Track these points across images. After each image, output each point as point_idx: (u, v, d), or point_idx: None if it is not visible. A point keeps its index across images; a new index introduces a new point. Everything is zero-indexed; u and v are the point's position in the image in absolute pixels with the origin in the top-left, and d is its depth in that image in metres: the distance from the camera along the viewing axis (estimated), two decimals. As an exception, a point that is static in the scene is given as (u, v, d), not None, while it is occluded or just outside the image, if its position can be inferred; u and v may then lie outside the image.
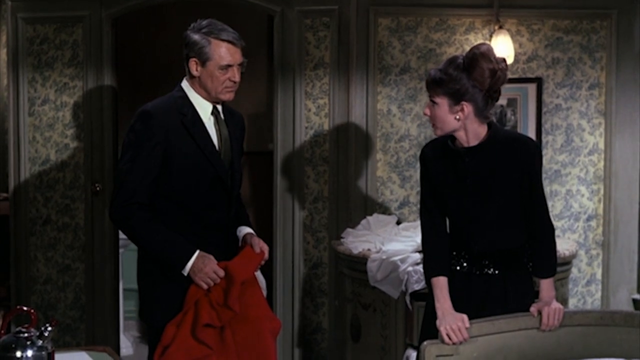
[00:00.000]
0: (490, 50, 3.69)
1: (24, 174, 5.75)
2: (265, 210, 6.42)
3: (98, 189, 5.68)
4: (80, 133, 5.72)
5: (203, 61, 3.86)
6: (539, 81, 5.66)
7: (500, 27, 5.55)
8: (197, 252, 3.81)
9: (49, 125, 5.74)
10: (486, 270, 3.71)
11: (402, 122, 5.66)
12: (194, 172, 3.85)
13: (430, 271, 3.75)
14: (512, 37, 5.56)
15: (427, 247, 3.80)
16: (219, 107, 3.97)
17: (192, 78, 3.92)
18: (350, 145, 5.64)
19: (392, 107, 5.66)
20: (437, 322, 3.61)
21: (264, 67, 7.83)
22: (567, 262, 5.25)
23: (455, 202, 3.70)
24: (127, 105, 6.41)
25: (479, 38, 5.61)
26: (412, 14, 5.64)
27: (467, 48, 5.58)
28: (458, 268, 3.75)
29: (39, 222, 5.78)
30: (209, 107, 3.93)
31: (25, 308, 3.23)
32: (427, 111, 3.68)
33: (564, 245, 5.20)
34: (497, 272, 3.70)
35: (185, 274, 3.80)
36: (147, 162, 3.79)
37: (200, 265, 3.78)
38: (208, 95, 3.91)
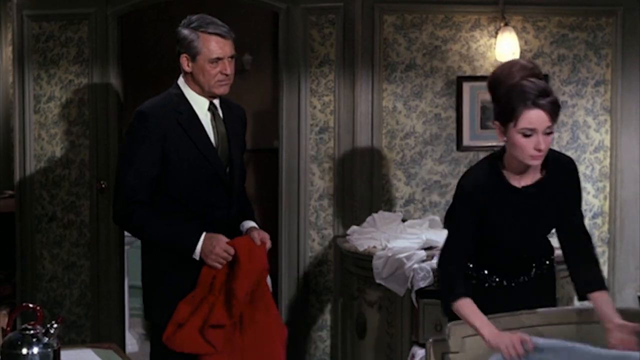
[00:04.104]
0: None
1: (30, 171, 5.75)
2: (270, 208, 6.42)
3: (103, 186, 5.68)
4: (85, 130, 5.72)
5: (193, 56, 3.86)
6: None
7: (506, 24, 5.55)
8: (204, 234, 3.81)
9: (55, 122, 5.74)
10: (522, 279, 3.68)
11: (408, 119, 5.66)
12: (191, 170, 3.85)
13: (458, 292, 3.45)
14: (517, 34, 5.55)
15: (454, 269, 3.54)
16: (216, 103, 3.96)
17: (186, 74, 3.92)
18: (355, 142, 5.63)
19: (397, 104, 5.65)
20: (492, 342, 3.33)
21: (269, 64, 7.84)
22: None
23: (509, 234, 3.56)
24: (132, 102, 6.39)
25: (484, 35, 5.61)
26: (418, 11, 5.63)
27: (473, 45, 5.61)
28: (493, 284, 3.67)
29: (44, 220, 5.78)
30: (205, 103, 3.92)
31: (31, 305, 3.24)
32: (543, 145, 3.37)
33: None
34: (527, 278, 3.68)
35: (197, 258, 3.80)
36: (145, 161, 3.80)
37: (209, 247, 3.79)
38: (202, 91, 3.90)
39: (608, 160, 5.74)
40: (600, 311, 3.45)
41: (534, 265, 3.69)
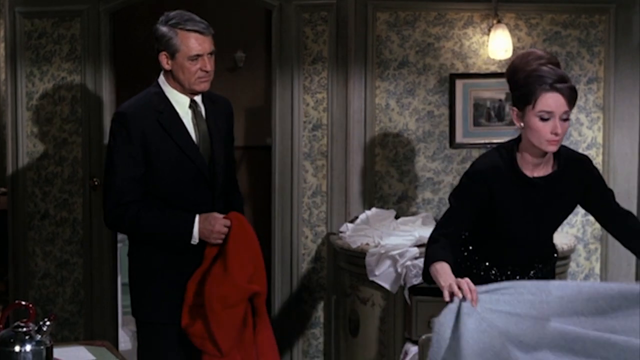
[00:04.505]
0: None
1: (22, 168, 5.74)
2: (263, 205, 6.42)
3: (96, 183, 5.67)
4: (78, 127, 5.71)
5: (172, 53, 3.83)
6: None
7: (499, 22, 5.55)
8: (197, 217, 3.80)
9: (47, 119, 5.73)
10: (522, 277, 3.70)
11: (401, 117, 5.66)
12: (174, 170, 3.83)
13: (437, 256, 3.44)
14: (510, 31, 5.56)
15: (444, 237, 3.52)
16: (197, 99, 3.93)
17: (165, 72, 3.89)
18: (348, 139, 5.64)
19: (390, 101, 5.65)
20: (443, 283, 3.33)
21: (262, 61, 7.84)
22: (566, 256, 5.25)
23: (517, 227, 3.60)
24: (125, 100, 6.38)
25: (477, 32, 5.61)
26: (411, 8, 5.64)
27: (466, 42, 5.61)
28: (491, 277, 3.68)
29: (37, 217, 5.77)
30: (186, 101, 3.89)
31: (23, 303, 3.23)
32: (560, 130, 3.42)
33: (562, 240, 5.20)
34: (527, 277, 3.70)
35: (196, 241, 3.80)
36: (128, 163, 3.79)
37: (209, 227, 3.80)
38: (183, 89, 3.87)
39: (601, 157, 5.75)
40: None
41: (535, 265, 3.70)
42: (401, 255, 4.94)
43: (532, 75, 3.42)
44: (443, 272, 3.36)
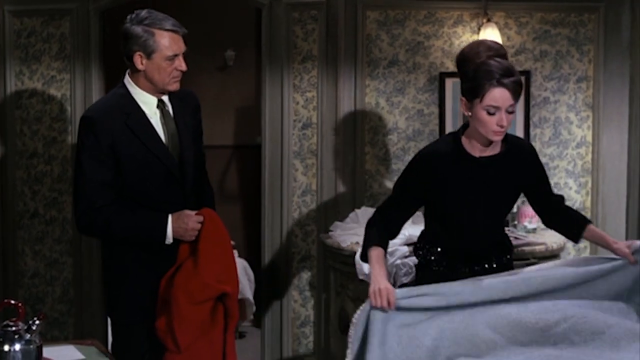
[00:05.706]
0: None
1: (11, 167, 5.72)
2: (253, 204, 6.42)
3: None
4: (67, 126, 5.70)
5: (148, 54, 3.76)
6: (527, 74, 5.67)
7: (489, 20, 5.56)
8: (170, 217, 3.78)
9: (37, 118, 5.71)
10: (476, 268, 3.73)
11: (391, 115, 5.67)
12: (144, 171, 3.79)
13: (373, 240, 3.73)
14: (500, 30, 5.56)
15: (381, 221, 3.76)
16: (165, 98, 3.88)
17: (134, 73, 3.82)
18: (338, 138, 5.64)
19: (380, 100, 5.66)
20: (371, 286, 3.60)
21: (252, 60, 7.82)
22: (555, 255, 5.25)
23: (465, 210, 3.68)
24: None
25: (467, 31, 5.61)
26: (401, 7, 5.64)
27: (455, 41, 5.61)
28: (442, 269, 3.76)
29: (26, 216, 5.76)
30: (153, 101, 3.84)
31: (13, 302, 3.22)
32: (505, 122, 3.55)
33: (552, 239, 5.21)
34: (486, 265, 3.73)
35: (170, 241, 3.78)
36: (97, 168, 3.74)
37: (183, 225, 3.77)
38: (154, 89, 3.82)
39: (590, 156, 5.76)
40: (600, 239, 3.80)
41: (490, 257, 3.74)
42: (391, 254, 4.93)
43: (480, 70, 3.53)
44: (375, 272, 3.62)
